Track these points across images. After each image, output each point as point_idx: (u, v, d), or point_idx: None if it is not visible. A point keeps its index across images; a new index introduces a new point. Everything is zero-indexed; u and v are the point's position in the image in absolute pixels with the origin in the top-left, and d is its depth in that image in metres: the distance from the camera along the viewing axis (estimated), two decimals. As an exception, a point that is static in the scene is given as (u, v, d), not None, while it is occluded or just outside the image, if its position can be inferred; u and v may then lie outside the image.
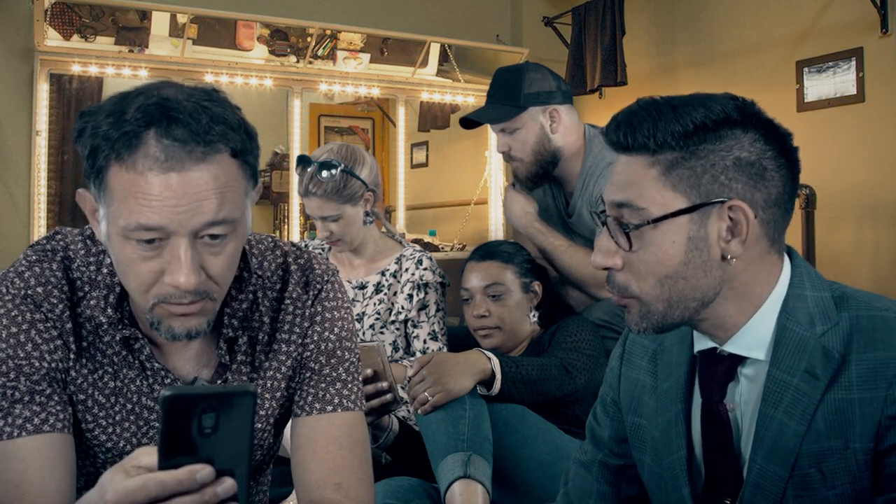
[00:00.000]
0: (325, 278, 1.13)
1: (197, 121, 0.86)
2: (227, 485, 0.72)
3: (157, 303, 0.91)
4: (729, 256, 0.91)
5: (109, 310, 0.99)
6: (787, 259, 0.98)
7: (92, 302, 0.99)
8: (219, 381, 1.05)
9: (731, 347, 0.96)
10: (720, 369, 0.98)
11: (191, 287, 0.89)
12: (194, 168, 0.86)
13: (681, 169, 0.90)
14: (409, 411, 1.95)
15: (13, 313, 0.96)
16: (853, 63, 3.14)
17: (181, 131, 0.85)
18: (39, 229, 3.30)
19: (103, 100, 0.92)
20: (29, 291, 0.97)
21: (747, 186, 0.90)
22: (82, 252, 1.02)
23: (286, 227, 4.04)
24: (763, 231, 0.92)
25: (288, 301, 1.09)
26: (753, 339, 0.95)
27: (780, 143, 0.92)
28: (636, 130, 0.91)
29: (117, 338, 1.00)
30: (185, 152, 0.85)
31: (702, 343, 1.00)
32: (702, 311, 0.94)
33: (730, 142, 0.90)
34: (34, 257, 1.00)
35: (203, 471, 0.70)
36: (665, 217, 0.90)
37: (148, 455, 0.73)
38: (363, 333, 2.05)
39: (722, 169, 0.89)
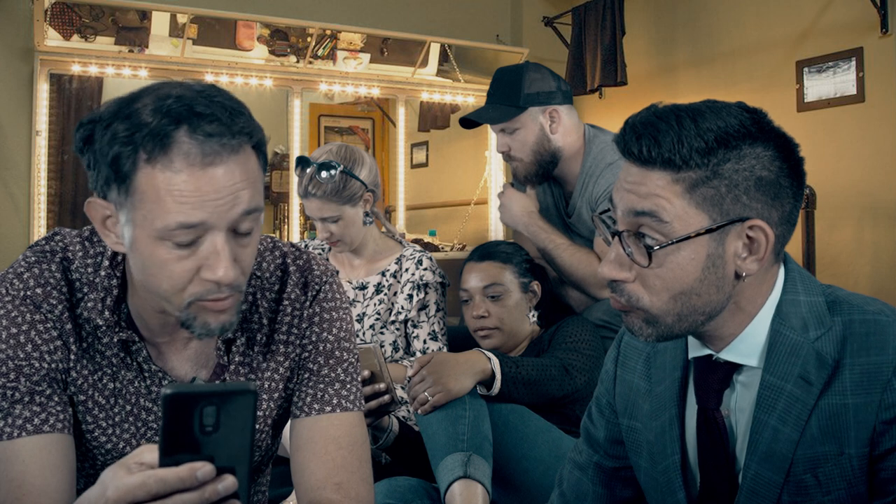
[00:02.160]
0: (324, 279, 1.13)
1: (222, 114, 0.87)
2: (228, 482, 0.72)
3: (193, 301, 0.91)
4: (744, 274, 0.91)
5: (107, 312, 0.99)
6: (780, 264, 0.97)
7: (89, 304, 1.00)
8: (216, 382, 1.05)
9: (726, 355, 0.96)
10: (716, 377, 0.98)
11: (231, 280, 0.89)
12: (230, 160, 0.87)
13: (705, 188, 0.88)
14: (409, 411, 1.95)
15: (13, 314, 0.96)
16: (853, 63, 3.14)
17: (212, 126, 0.86)
18: (39, 229, 3.30)
19: (103, 101, 0.92)
20: (28, 292, 0.98)
21: (766, 205, 0.89)
22: (80, 253, 1.02)
23: (286, 227, 4.04)
24: (774, 247, 0.92)
25: (286, 302, 1.09)
26: (748, 345, 0.95)
27: (792, 159, 0.91)
28: (660, 145, 0.88)
29: (115, 339, 1.00)
30: (219, 146, 0.86)
31: (696, 349, 1.00)
32: (707, 323, 0.94)
33: (751, 160, 0.88)
34: (33, 258, 1.00)
35: (204, 468, 0.70)
36: (688, 237, 0.88)
37: (150, 452, 0.73)
38: (363, 334, 2.05)
39: (745, 189, 0.88)
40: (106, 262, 1.00)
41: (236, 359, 1.06)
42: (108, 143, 0.87)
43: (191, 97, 0.87)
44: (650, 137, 0.89)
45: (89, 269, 1.01)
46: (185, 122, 0.85)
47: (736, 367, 0.97)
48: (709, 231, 0.88)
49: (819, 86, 3.27)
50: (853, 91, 3.14)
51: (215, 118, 0.86)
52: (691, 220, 0.88)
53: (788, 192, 0.91)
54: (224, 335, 0.96)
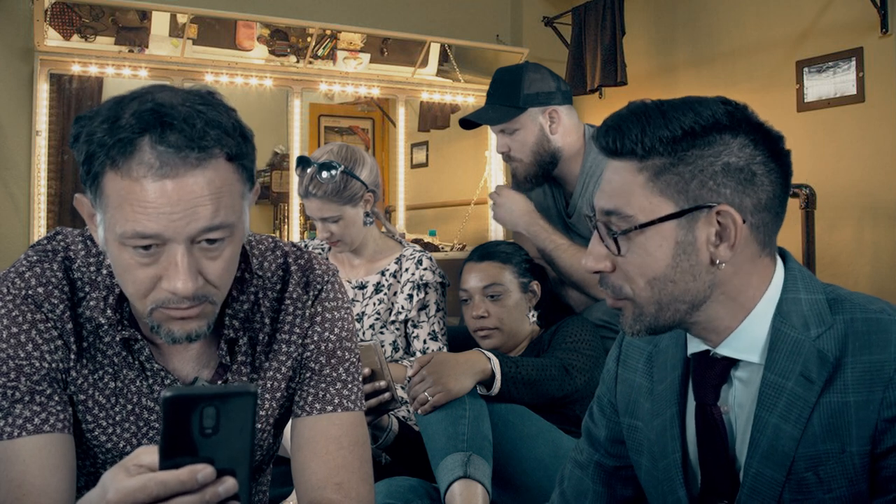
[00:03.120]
0: (325, 279, 1.13)
1: (191, 126, 0.86)
2: (229, 484, 0.72)
3: (155, 308, 0.91)
4: (718, 261, 0.91)
5: (109, 311, 0.99)
6: (779, 261, 0.98)
7: (91, 303, 1.00)
8: (219, 382, 1.05)
9: (723, 350, 0.96)
10: (713, 372, 0.98)
11: (189, 293, 0.89)
12: (189, 174, 0.86)
13: (669, 175, 0.90)
14: (409, 411, 1.95)
15: (14, 313, 0.96)
16: (853, 63, 3.14)
17: (175, 137, 0.85)
18: (39, 229, 3.30)
19: (103, 100, 0.93)
20: (30, 292, 0.98)
21: (736, 192, 0.90)
22: (83, 253, 1.02)
23: (286, 227, 4.04)
24: (752, 235, 0.92)
25: (288, 301, 1.10)
26: (746, 341, 0.95)
27: (770, 147, 0.92)
28: (625, 136, 0.92)
29: (117, 339, 1.00)
30: (179, 158, 0.85)
31: (695, 346, 1.00)
32: (693, 313, 0.94)
33: (719, 147, 0.90)
34: (35, 258, 1.00)
35: (204, 470, 0.70)
36: (652, 223, 0.91)
37: (149, 454, 0.73)
38: (363, 333, 2.05)
39: (711, 174, 0.89)
40: (108, 261, 1.00)
41: (238, 358, 1.06)
42: (85, 141, 0.87)
43: (169, 105, 0.86)
44: (616, 129, 0.93)
45: (91, 269, 1.01)
46: (150, 130, 0.85)
47: (734, 363, 0.97)
48: (673, 216, 0.90)
49: (819, 86, 3.27)
50: (853, 91, 3.14)
51: (181, 129, 0.85)
52: (656, 209, 0.91)
53: (765, 180, 0.91)
54: (194, 342, 0.96)
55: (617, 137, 0.93)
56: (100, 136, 0.86)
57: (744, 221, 0.90)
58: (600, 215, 0.95)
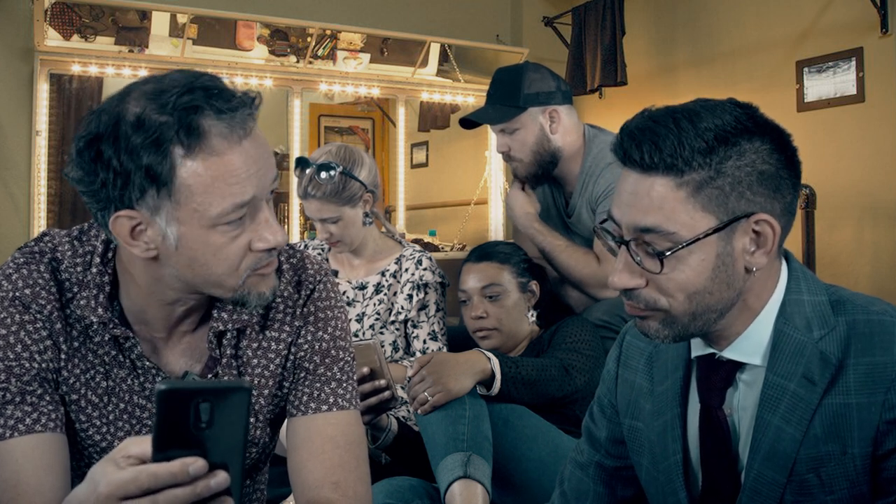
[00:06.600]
0: (318, 278, 1.13)
1: (231, 90, 0.90)
2: (220, 478, 0.72)
3: (248, 275, 0.94)
4: (754, 269, 0.91)
5: (100, 309, 0.99)
6: (783, 262, 0.97)
7: (82, 302, 0.99)
8: (209, 376, 1.05)
9: (730, 353, 0.96)
10: (719, 375, 0.98)
11: (284, 241, 0.94)
12: (255, 130, 0.91)
13: (709, 188, 0.88)
14: (408, 411, 1.95)
15: (2, 315, 0.96)
16: (853, 63, 3.13)
17: (231, 102, 0.89)
18: (39, 229, 3.30)
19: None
20: (17, 293, 0.98)
21: (768, 198, 0.89)
22: (70, 253, 1.02)
23: (286, 227, 4.03)
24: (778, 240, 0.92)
25: (279, 300, 1.10)
26: (751, 344, 0.95)
27: (787, 150, 0.91)
28: (661, 150, 0.87)
29: (107, 337, 1.00)
30: (240, 118, 0.89)
31: (699, 348, 0.99)
32: (719, 321, 0.93)
33: (752, 155, 0.88)
34: (21, 260, 1.00)
35: (196, 464, 0.70)
36: (696, 239, 0.89)
37: (136, 445, 0.73)
38: (363, 333, 2.05)
39: (748, 185, 0.88)
40: (97, 259, 1.00)
41: (228, 352, 1.06)
42: (131, 154, 0.85)
43: (186, 83, 0.87)
44: (650, 143, 0.88)
45: (79, 269, 1.01)
46: (205, 106, 0.86)
47: (739, 366, 0.97)
48: (716, 230, 0.88)
49: (819, 86, 3.27)
50: (853, 91, 3.14)
51: (224, 90, 0.89)
52: (698, 224, 0.88)
53: (788, 184, 0.91)
54: (271, 301, 1.01)
55: (653, 151, 0.88)
56: (150, 142, 0.85)
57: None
58: (631, 232, 0.92)
